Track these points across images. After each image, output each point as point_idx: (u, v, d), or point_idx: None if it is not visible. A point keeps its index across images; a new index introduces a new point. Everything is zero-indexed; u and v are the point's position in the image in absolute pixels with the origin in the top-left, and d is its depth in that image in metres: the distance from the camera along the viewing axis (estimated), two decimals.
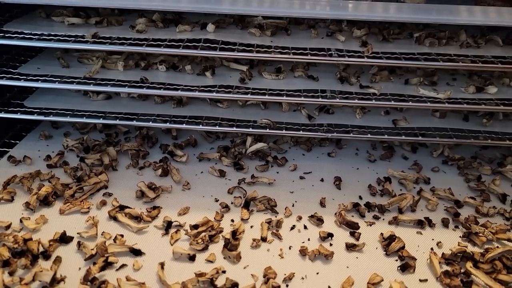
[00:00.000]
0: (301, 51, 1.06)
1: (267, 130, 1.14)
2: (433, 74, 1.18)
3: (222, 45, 1.07)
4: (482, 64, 1.02)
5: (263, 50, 1.05)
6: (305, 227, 0.95)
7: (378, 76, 1.15)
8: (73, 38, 1.06)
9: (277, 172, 1.13)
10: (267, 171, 1.13)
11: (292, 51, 1.05)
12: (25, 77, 1.10)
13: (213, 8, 1.04)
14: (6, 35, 1.06)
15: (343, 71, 1.16)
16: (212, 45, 1.07)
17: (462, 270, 0.85)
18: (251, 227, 0.95)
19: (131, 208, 0.97)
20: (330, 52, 1.05)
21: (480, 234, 0.93)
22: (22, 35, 1.06)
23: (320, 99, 1.08)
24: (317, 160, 1.18)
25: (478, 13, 1.02)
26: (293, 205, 1.01)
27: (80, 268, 0.83)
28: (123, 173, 1.10)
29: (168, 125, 1.14)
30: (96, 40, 1.06)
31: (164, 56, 1.20)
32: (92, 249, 0.86)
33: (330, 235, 0.92)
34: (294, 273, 0.83)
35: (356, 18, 1.05)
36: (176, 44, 1.05)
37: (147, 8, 1.07)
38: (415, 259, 0.87)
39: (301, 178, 1.11)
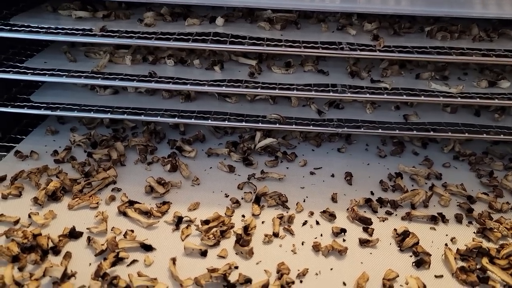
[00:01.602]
0: (311, 44, 1.04)
1: (277, 125, 1.12)
2: (444, 69, 1.16)
3: (232, 39, 1.05)
4: (496, 58, 1.01)
5: (273, 43, 1.04)
6: (317, 223, 0.94)
7: (389, 71, 1.13)
8: (80, 32, 1.05)
9: (287, 168, 1.11)
10: (277, 167, 1.12)
11: (303, 44, 1.04)
12: (31, 71, 1.08)
13: (222, 1, 1.03)
14: (13, 29, 1.04)
15: (354, 66, 1.15)
16: (222, 39, 1.05)
17: (478, 266, 0.84)
18: (263, 222, 0.93)
19: (140, 203, 0.95)
20: (341, 46, 1.04)
21: (495, 230, 0.92)
22: (29, 29, 1.05)
23: (331, 93, 1.07)
24: (327, 156, 1.17)
25: (492, 6, 1.01)
26: (304, 201, 1.00)
27: (90, 264, 0.82)
28: (131, 169, 1.09)
29: (176, 120, 1.13)
30: (104, 33, 1.05)
31: (172, 50, 1.19)
32: (102, 245, 0.84)
33: (343, 230, 0.90)
34: (307, 269, 0.82)
35: (367, 11, 1.03)
36: (185, 37, 1.04)
37: (155, 1, 1.06)
38: (430, 255, 0.86)
39: (311, 173, 1.09)
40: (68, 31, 1.05)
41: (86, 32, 1.05)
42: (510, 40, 1.09)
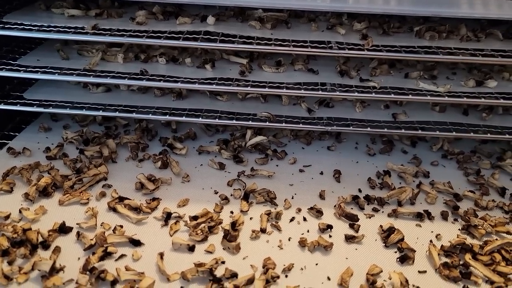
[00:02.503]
0: (301, 43, 1.06)
1: (267, 123, 1.14)
2: (433, 68, 1.18)
3: (222, 38, 1.07)
4: (482, 57, 1.02)
5: (263, 42, 1.05)
6: (305, 219, 0.95)
7: (378, 70, 1.15)
8: (72, 30, 1.06)
9: (277, 165, 1.13)
10: (267, 164, 1.13)
11: (292, 43, 1.05)
12: (24, 68, 1.09)
13: (213, 0, 1.04)
14: (6, 27, 1.05)
15: (343, 65, 1.16)
16: (212, 38, 1.07)
17: (461, 262, 0.85)
18: (251, 218, 0.95)
19: (130, 199, 0.97)
20: (330, 45, 1.05)
21: (479, 227, 0.93)
22: (21, 27, 1.06)
23: (319, 92, 1.08)
24: (316, 154, 1.18)
25: (478, 6, 1.02)
26: (292, 198, 1.01)
27: (79, 258, 0.83)
28: (122, 165, 1.10)
29: (167, 117, 1.14)
30: (96, 31, 1.06)
31: (164, 49, 1.20)
32: (91, 239, 0.86)
33: (330, 226, 0.92)
34: (293, 264, 0.83)
35: (355, 11, 1.05)
36: (176, 36, 1.05)
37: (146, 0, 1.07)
38: (414, 251, 0.87)
39: (301, 171, 1.11)
40: (61, 29, 1.06)
41: (78, 30, 1.06)
42: (497, 40, 1.10)
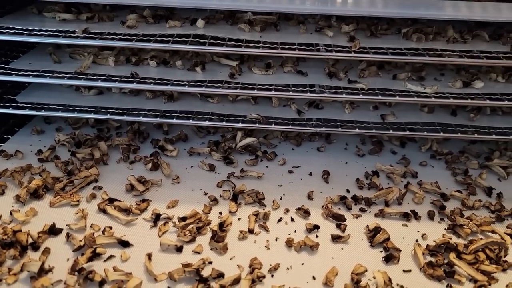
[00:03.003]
0: (289, 46, 1.07)
1: (257, 125, 1.15)
2: (421, 70, 1.19)
3: (212, 40, 1.08)
4: (468, 59, 1.04)
5: (252, 45, 1.07)
6: (292, 220, 0.96)
7: (366, 72, 1.16)
8: (63, 34, 1.07)
9: (267, 166, 1.14)
10: (257, 165, 1.14)
11: (281, 46, 1.07)
12: (16, 72, 1.11)
13: (202, 3, 1.05)
14: None
15: (332, 67, 1.17)
16: (202, 40, 1.08)
17: (446, 261, 0.86)
18: (239, 219, 0.96)
19: (120, 201, 0.98)
20: (318, 47, 1.07)
21: (465, 226, 0.94)
22: (13, 31, 1.07)
23: (308, 94, 1.09)
24: (306, 155, 1.19)
25: (463, 8, 1.03)
26: (281, 198, 1.02)
27: (68, 259, 0.84)
28: (113, 167, 1.11)
29: (158, 119, 1.15)
30: (87, 35, 1.07)
31: (155, 52, 1.21)
32: (80, 241, 0.87)
33: (316, 227, 0.93)
34: (279, 264, 0.84)
35: (342, 14, 1.06)
36: (165, 39, 1.07)
37: (137, 3, 1.08)
38: (400, 251, 0.89)
39: (290, 172, 1.12)
40: (52, 33, 1.07)
41: (69, 34, 1.07)
42: (483, 42, 1.11)
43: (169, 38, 1.07)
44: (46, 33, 1.07)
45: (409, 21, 1.21)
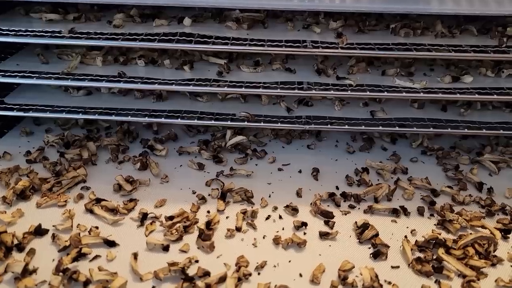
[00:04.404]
0: (276, 43, 1.07)
1: (246, 123, 1.14)
2: (410, 65, 1.18)
3: (198, 39, 1.07)
4: (456, 53, 1.03)
5: (238, 42, 1.06)
6: (280, 217, 0.96)
7: (355, 68, 1.15)
8: (49, 34, 1.07)
9: (256, 165, 1.13)
10: (246, 164, 1.13)
11: (268, 43, 1.06)
12: (3, 73, 1.10)
13: (189, 2, 1.05)
14: None
15: (321, 63, 1.17)
16: (188, 39, 1.07)
17: (434, 257, 0.86)
18: (227, 217, 0.95)
19: (107, 201, 0.97)
20: (305, 44, 1.06)
21: (454, 222, 0.93)
22: None
23: (296, 91, 1.09)
24: (296, 152, 1.18)
25: (451, 3, 1.03)
26: (269, 196, 1.02)
27: (53, 260, 0.83)
28: (102, 168, 1.10)
29: (147, 119, 1.15)
30: (73, 35, 1.07)
31: (143, 51, 1.21)
32: (66, 241, 0.86)
33: (304, 224, 0.92)
34: (266, 261, 0.84)
35: (329, 10, 1.06)
36: (152, 38, 1.06)
37: (124, 2, 1.08)
38: (388, 247, 0.88)
39: (279, 170, 1.11)
40: (38, 34, 1.07)
41: (55, 34, 1.07)
42: (472, 36, 1.11)
43: (156, 37, 1.06)
44: (32, 34, 1.07)
45: (397, 16, 1.21)
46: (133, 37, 1.07)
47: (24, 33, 1.06)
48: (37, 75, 1.11)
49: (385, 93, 1.07)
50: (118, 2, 1.08)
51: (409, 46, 1.05)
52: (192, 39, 1.07)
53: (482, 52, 1.03)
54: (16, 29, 1.08)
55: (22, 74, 1.10)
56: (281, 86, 1.11)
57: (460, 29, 1.12)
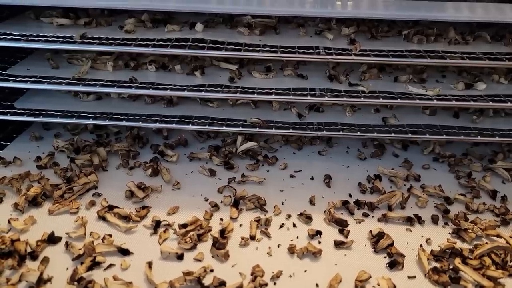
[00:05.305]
0: (289, 49, 1.06)
1: (257, 129, 1.14)
2: (422, 72, 1.18)
3: (211, 45, 1.07)
4: (470, 60, 1.02)
5: (251, 49, 1.06)
6: (294, 225, 0.95)
7: (367, 74, 1.15)
8: (61, 39, 1.06)
9: (268, 171, 1.13)
10: (258, 170, 1.13)
11: (280, 49, 1.06)
12: (14, 78, 1.10)
13: (201, 7, 1.04)
14: None
15: (333, 70, 1.16)
16: (201, 45, 1.07)
17: (451, 267, 0.85)
18: (240, 225, 0.95)
19: (120, 208, 0.97)
20: (318, 50, 1.06)
21: (469, 231, 0.93)
22: (10, 37, 1.06)
23: (308, 97, 1.08)
24: (307, 159, 1.18)
25: (465, 10, 1.02)
26: (282, 204, 1.01)
27: (67, 268, 0.83)
28: (113, 174, 1.10)
29: (157, 124, 1.14)
30: (84, 40, 1.06)
31: (154, 56, 1.20)
32: (80, 249, 0.85)
33: (319, 232, 0.92)
34: (282, 271, 0.83)
35: (342, 16, 1.05)
36: (164, 44, 1.06)
37: (135, 8, 1.07)
38: (404, 256, 0.87)
39: (291, 176, 1.10)
40: (49, 39, 1.06)
41: (67, 40, 1.06)
42: (485, 43, 1.10)
43: (168, 43, 1.06)
44: (43, 39, 1.06)
45: (410, 23, 1.20)
46: (145, 42, 1.06)
47: (36, 38, 1.06)
48: (48, 80, 1.10)
49: (398, 100, 1.07)
50: (129, 7, 1.07)
51: (423, 53, 1.04)
52: (205, 45, 1.06)
53: (496, 59, 1.02)
54: (28, 34, 1.07)
55: (33, 79, 1.10)
56: (293, 92, 1.10)
57: (473, 35, 1.11)
